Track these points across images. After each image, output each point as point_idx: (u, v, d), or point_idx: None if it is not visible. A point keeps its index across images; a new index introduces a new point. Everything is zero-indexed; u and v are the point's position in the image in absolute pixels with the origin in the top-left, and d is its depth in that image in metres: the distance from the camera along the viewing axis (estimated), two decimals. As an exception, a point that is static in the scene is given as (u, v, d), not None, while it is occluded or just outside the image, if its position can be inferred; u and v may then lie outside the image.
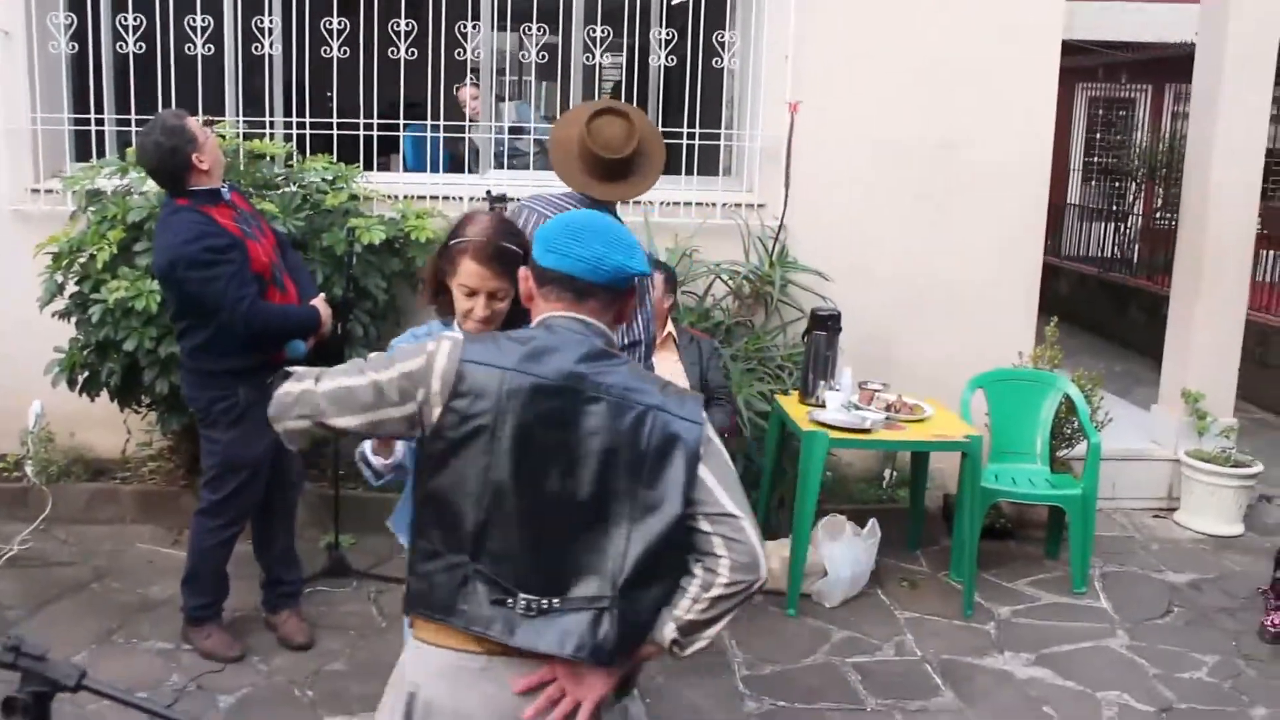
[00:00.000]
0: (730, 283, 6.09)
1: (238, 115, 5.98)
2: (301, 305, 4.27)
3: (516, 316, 2.62)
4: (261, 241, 4.21)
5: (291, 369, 2.33)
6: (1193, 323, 6.60)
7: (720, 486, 2.12)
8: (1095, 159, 15.48)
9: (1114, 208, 13.59)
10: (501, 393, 2.11)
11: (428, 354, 2.14)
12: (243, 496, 4.32)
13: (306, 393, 2.24)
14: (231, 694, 4.14)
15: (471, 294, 2.69)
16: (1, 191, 5.82)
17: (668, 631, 2.13)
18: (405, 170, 6.62)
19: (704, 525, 2.11)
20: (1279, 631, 4.87)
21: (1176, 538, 6.15)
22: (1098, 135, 15.87)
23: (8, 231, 5.79)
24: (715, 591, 2.10)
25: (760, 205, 6.19)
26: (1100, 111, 16.06)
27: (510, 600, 2.11)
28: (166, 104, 5.80)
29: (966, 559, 5.12)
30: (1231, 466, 6.19)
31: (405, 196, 5.92)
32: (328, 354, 4.56)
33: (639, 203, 6.12)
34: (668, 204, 6.14)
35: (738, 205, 6.17)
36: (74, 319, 5.08)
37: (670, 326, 5.03)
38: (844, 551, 5.17)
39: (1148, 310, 10.74)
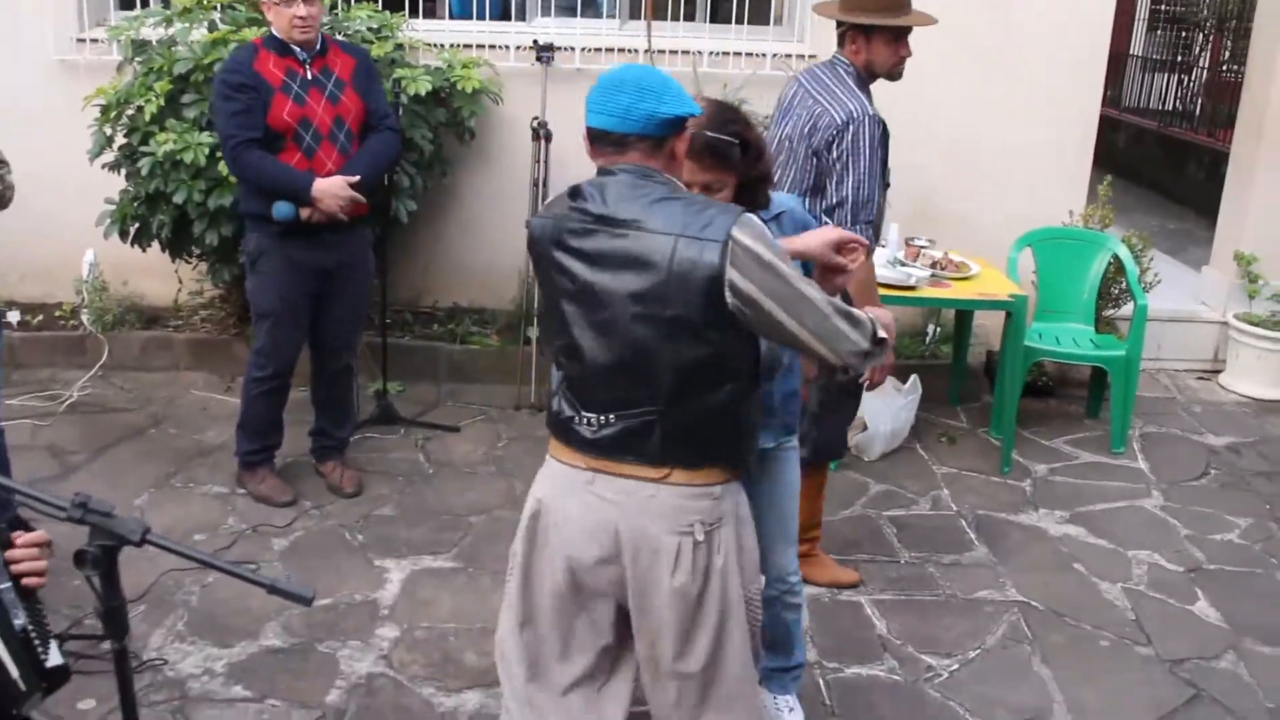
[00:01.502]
0: (777, 137, 6.02)
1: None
2: (299, 171, 4.19)
3: (744, 201, 2.68)
4: (308, 104, 4.20)
5: None
6: (1251, 183, 6.46)
7: (773, 300, 2.24)
8: (1163, 7, 14.93)
9: (1179, 59, 13.16)
10: (551, 237, 2.40)
11: None
12: (274, 346, 4.42)
13: None
14: (285, 538, 4.30)
15: (688, 184, 2.68)
16: (47, 42, 5.80)
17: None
18: (451, 17, 6.52)
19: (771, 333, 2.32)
20: (1315, 494, 4.92)
21: (1219, 400, 6.14)
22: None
23: (55, 82, 5.79)
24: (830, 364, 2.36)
25: (811, 56, 6.05)
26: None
27: (577, 419, 2.43)
28: (209, -50, 5.75)
29: (1006, 417, 5.16)
30: (1280, 330, 6.14)
31: (451, 45, 5.85)
32: (376, 207, 4.65)
33: (688, 52, 6.04)
34: (716, 54, 6.04)
35: (788, 56, 6.06)
36: (123, 171, 5.13)
37: None
38: (885, 406, 5.21)
39: (1207, 167, 10.48)
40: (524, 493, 4.57)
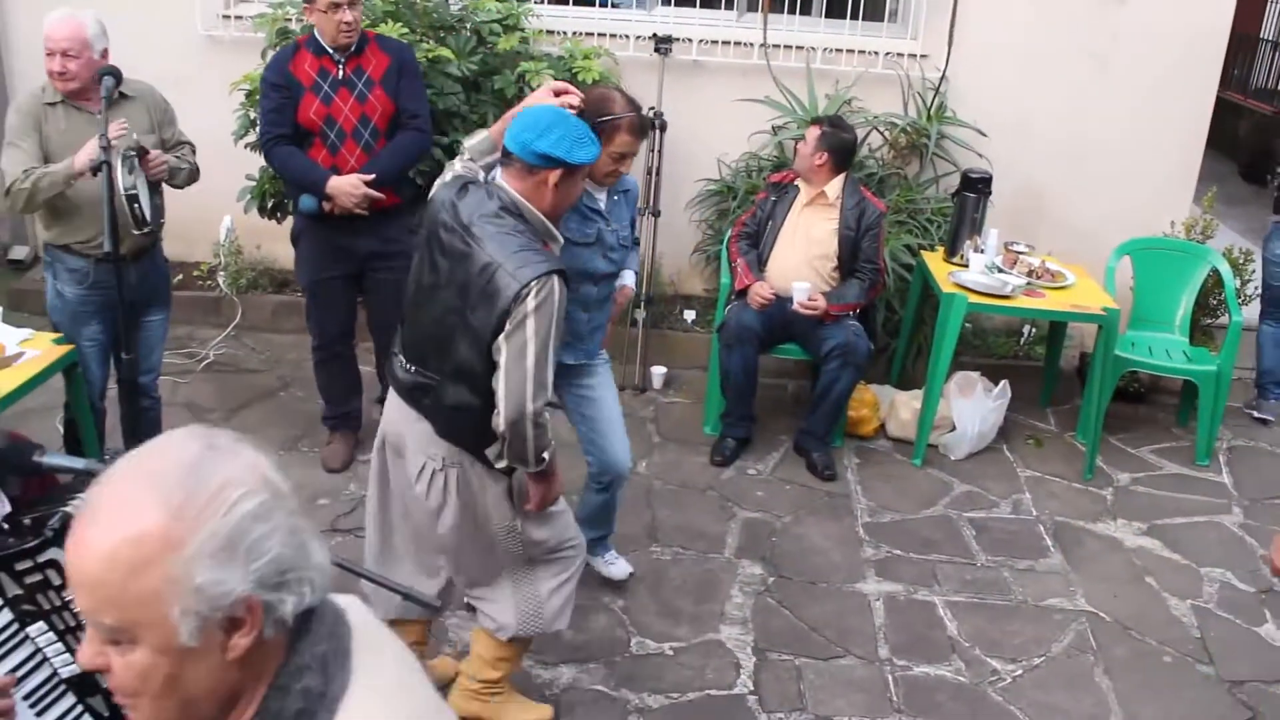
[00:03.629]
0: (887, 134, 6.16)
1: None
2: (319, 168, 4.46)
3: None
4: (335, 103, 4.44)
5: None
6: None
7: (505, 340, 2.78)
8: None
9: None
10: (434, 216, 2.97)
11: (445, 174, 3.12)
12: (316, 319, 4.84)
13: None
14: (401, 506, 4.64)
15: (621, 158, 3.52)
16: (195, 17, 6.17)
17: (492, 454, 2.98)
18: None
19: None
20: (1396, 522, 4.97)
21: (1314, 414, 6.17)
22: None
23: (202, 56, 6.17)
24: (498, 428, 2.86)
25: (923, 56, 6.17)
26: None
27: (397, 359, 3.10)
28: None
29: (1092, 424, 5.29)
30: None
31: (574, 33, 6.08)
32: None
33: (801, 48, 6.19)
34: (830, 50, 6.18)
35: (900, 55, 6.17)
36: (265, 151, 5.46)
37: (835, 186, 5.10)
38: (973, 408, 5.38)
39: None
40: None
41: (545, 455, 2.91)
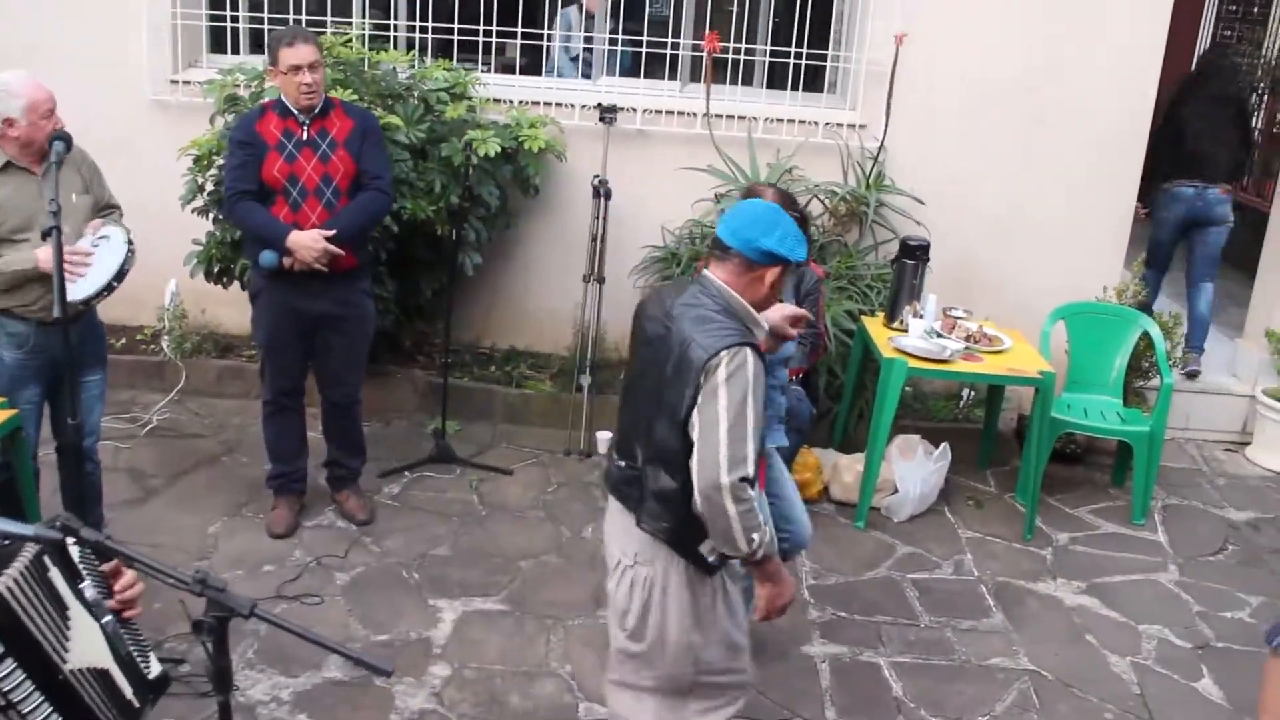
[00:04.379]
0: (827, 202, 6.29)
1: (364, 18, 6.25)
2: (280, 223, 4.50)
3: None
4: (299, 162, 4.51)
5: None
6: (1286, 257, 6.63)
7: (698, 414, 2.74)
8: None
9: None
10: (638, 314, 3.07)
11: None
12: (270, 373, 4.83)
13: None
14: (347, 572, 4.62)
15: None
16: (144, 82, 6.20)
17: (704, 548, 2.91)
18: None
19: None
20: (1325, 578, 5.11)
21: (1244, 474, 6.33)
22: (1231, 33, 15.31)
23: (149, 120, 6.19)
24: (698, 507, 2.77)
25: (862, 126, 6.32)
26: (1237, 6, 15.44)
27: (609, 458, 3.13)
28: (297, 5, 6.13)
29: (1031, 486, 5.39)
30: (1307, 407, 6.32)
31: (520, 102, 6.17)
32: (443, 257, 4.94)
33: (744, 117, 6.32)
34: (771, 120, 6.32)
35: (839, 125, 6.32)
36: (212, 215, 5.48)
37: None
38: (914, 471, 5.47)
39: (1252, 227, 10.56)
40: (571, 538, 4.89)
41: (756, 538, 2.75)
